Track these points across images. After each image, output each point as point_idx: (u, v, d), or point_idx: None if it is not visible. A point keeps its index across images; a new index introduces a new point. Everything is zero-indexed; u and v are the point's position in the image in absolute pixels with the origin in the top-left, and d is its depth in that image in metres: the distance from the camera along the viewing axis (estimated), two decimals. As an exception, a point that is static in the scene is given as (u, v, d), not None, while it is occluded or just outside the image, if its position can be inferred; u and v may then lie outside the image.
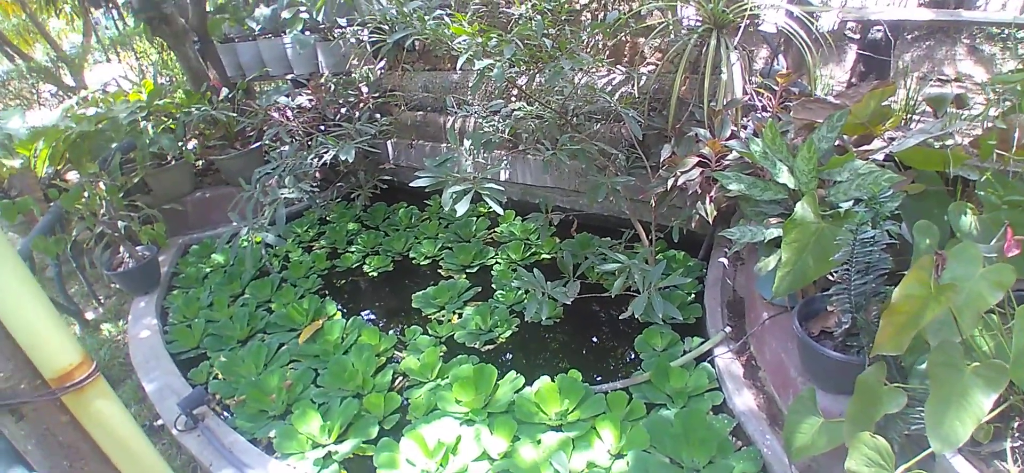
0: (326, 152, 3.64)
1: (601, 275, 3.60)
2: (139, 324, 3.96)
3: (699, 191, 3.01)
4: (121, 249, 4.29)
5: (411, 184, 2.83)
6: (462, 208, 2.56)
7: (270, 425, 2.98)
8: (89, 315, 4.45)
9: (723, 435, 2.54)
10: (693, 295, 3.43)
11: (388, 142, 5.28)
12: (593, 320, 3.48)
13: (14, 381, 0.78)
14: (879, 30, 3.42)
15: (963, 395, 1.48)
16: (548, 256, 4.00)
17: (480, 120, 3.14)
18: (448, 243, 4.35)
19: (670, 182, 3.03)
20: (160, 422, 3.16)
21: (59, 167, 5.21)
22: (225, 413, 3.15)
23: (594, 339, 3.35)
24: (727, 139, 3.01)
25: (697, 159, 3.05)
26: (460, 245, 4.27)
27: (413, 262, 4.30)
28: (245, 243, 3.64)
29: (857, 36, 4.23)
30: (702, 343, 3.03)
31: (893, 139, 2.64)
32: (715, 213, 3.03)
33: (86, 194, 4.26)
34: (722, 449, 2.48)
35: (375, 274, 4.26)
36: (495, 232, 4.44)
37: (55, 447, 0.82)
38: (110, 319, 4.40)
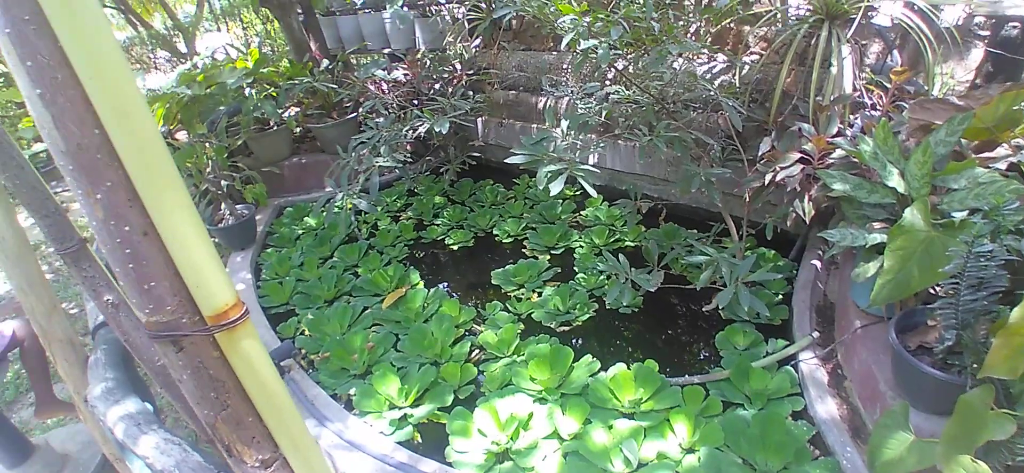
0: (421, 124, 3.75)
1: (686, 267, 3.54)
2: (235, 277, 4.24)
3: (798, 189, 2.89)
4: (222, 206, 4.60)
5: (506, 160, 2.87)
6: (556, 188, 2.57)
7: (351, 383, 3.13)
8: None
9: (801, 442, 2.45)
10: (781, 296, 3.31)
11: (479, 119, 5.36)
12: (673, 312, 3.42)
13: (177, 315, 0.86)
14: (1015, 26, 3.13)
15: (1080, 429, 1.37)
16: (632, 244, 3.96)
17: (575, 101, 3.13)
18: (532, 223, 4.39)
19: (768, 177, 2.93)
20: None
21: (172, 127, 5.65)
22: (310, 368, 3.33)
23: (673, 331, 3.30)
24: (833, 136, 2.86)
25: (798, 155, 2.93)
26: (544, 226, 4.29)
27: (496, 239, 4.37)
28: (338, 208, 3.82)
29: (986, 32, 3.89)
30: (787, 346, 2.92)
31: (1021, 148, 2.44)
32: (813, 213, 2.91)
33: (195, 153, 4.60)
34: (799, 456, 2.40)
35: (458, 248, 4.36)
36: (580, 215, 4.44)
37: (206, 379, 0.91)
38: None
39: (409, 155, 3.95)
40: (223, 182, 4.63)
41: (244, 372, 0.92)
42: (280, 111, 5.10)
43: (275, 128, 5.29)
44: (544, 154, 2.65)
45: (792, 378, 2.77)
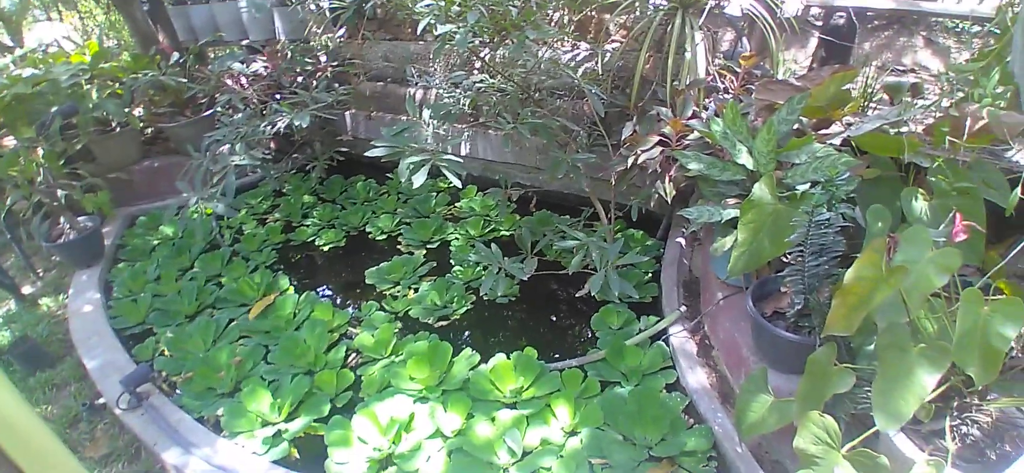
0: (280, 119, 3.51)
1: (559, 252, 3.58)
2: (81, 298, 3.76)
3: (659, 170, 3.01)
4: (61, 219, 4.08)
5: (367, 154, 2.74)
6: (419, 180, 2.49)
7: (218, 403, 2.87)
8: (26, 290, 4.23)
9: (676, 413, 2.55)
10: (650, 274, 3.44)
11: (346, 113, 5.14)
12: (550, 298, 3.46)
13: None
14: (842, 16, 3.45)
15: (908, 375, 1.50)
16: (508, 233, 3.96)
17: (441, 92, 3.06)
18: (407, 218, 4.27)
19: (631, 160, 3.02)
20: (101, 400, 3.02)
21: None
22: (172, 391, 3.03)
23: (551, 317, 3.34)
24: (689, 119, 3.00)
25: (658, 138, 3.04)
26: (419, 220, 4.19)
27: (370, 237, 4.20)
28: (195, 214, 3.50)
29: (820, 22, 4.28)
30: (657, 322, 3.04)
31: (851, 124, 2.67)
32: (674, 193, 3.03)
33: (21, 160, 4.04)
34: (674, 427, 2.50)
35: (330, 248, 4.16)
36: (455, 208, 4.37)
37: None
38: (49, 294, 4.19)
39: (273, 153, 3.68)
40: (60, 192, 4.09)
41: None
42: (125, 109, 4.58)
43: (119, 129, 4.75)
44: (406, 145, 2.56)
45: (664, 352, 2.88)
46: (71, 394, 3.18)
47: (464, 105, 2.78)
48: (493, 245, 3.15)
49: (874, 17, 4.69)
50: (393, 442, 2.53)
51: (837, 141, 2.59)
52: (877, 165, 2.41)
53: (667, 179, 3.03)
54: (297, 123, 3.40)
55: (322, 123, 4.66)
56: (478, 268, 3.55)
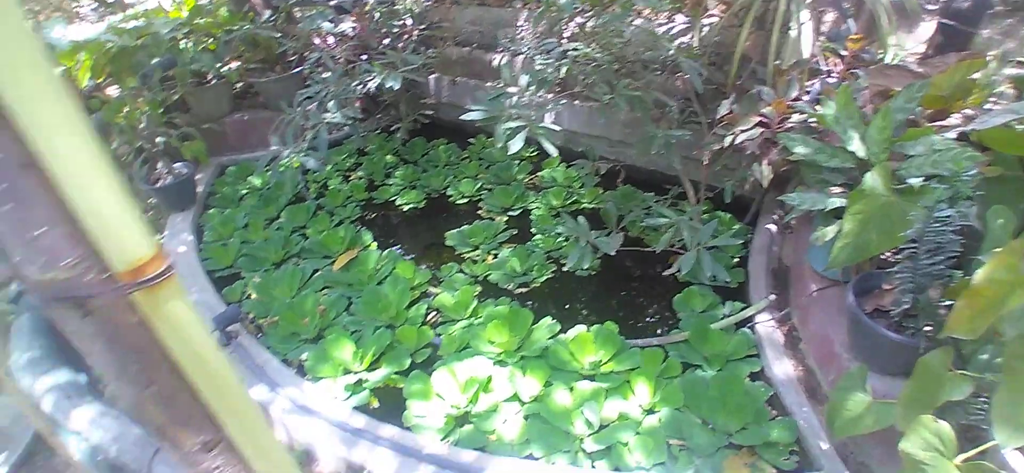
0: (371, 79, 3.56)
1: (644, 229, 3.52)
2: (176, 239, 4.00)
3: (757, 152, 2.90)
4: (159, 165, 4.30)
5: (462, 118, 2.76)
6: (516, 145, 2.49)
7: (302, 348, 3.01)
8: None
9: (759, 402, 2.49)
10: (737, 259, 3.34)
11: (431, 77, 5.17)
12: (631, 275, 3.42)
13: (79, 271, 0.64)
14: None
15: (1039, 389, 1.41)
16: (590, 205, 3.92)
17: (533, 58, 3.02)
18: (488, 184, 4.29)
19: (728, 140, 2.92)
20: None
21: (99, 80, 5.22)
22: (258, 333, 3.18)
23: (631, 293, 3.30)
24: (793, 100, 2.87)
25: (758, 119, 2.93)
26: (501, 187, 4.20)
27: (450, 200, 4.25)
28: (284, 167, 3.61)
29: (935, 6, 3.99)
30: (744, 308, 2.96)
31: (971, 117, 2.50)
32: (770, 177, 2.92)
33: (126, 108, 4.27)
34: (757, 416, 2.44)
35: (410, 208, 4.23)
36: (537, 177, 4.36)
37: (123, 350, 0.71)
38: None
39: (359, 112, 3.75)
40: (158, 139, 4.32)
41: (172, 340, 0.70)
42: (218, 64, 4.77)
43: (214, 82, 4.96)
44: (502, 111, 2.55)
45: (749, 340, 2.81)
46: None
47: (561, 73, 2.73)
48: (579, 217, 3.13)
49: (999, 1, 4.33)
50: (471, 401, 2.58)
51: (953, 134, 2.43)
52: (1000, 163, 2.25)
53: (765, 162, 2.92)
54: (388, 84, 3.45)
55: (408, 86, 4.71)
56: (559, 238, 3.54)
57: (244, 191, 4.57)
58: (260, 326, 3.23)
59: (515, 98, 2.64)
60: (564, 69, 2.74)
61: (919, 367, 1.76)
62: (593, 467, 2.33)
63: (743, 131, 2.90)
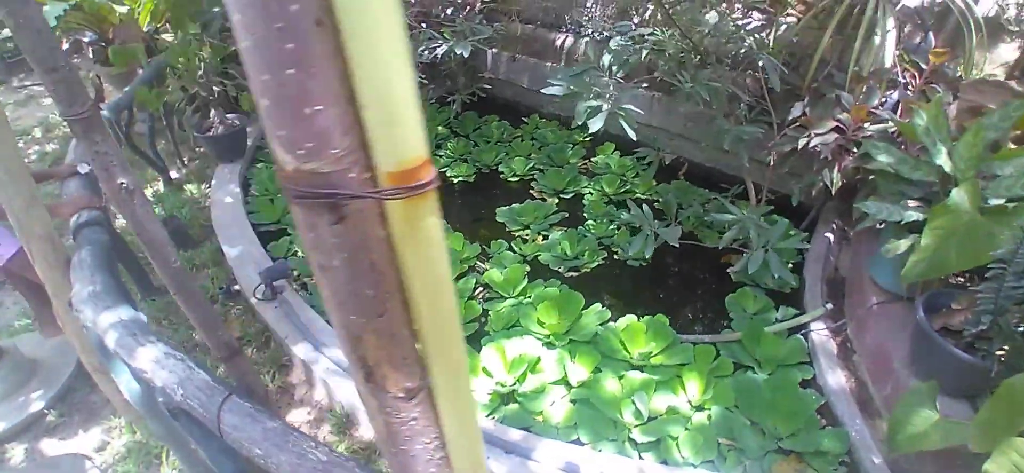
0: (438, 45, 3.55)
1: (698, 224, 3.47)
2: (223, 190, 4.02)
3: (829, 158, 2.83)
4: (212, 113, 4.34)
5: (543, 91, 2.73)
6: (596, 125, 2.46)
7: (348, 311, 3.02)
8: (173, 174, 4.57)
9: (810, 410, 2.45)
10: (791, 264, 3.28)
11: (490, 51, 5.15)
12: (682, 268, 3.38)
13: (345, 164, 0.53)
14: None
15: None
16: (643, 196, 3.88)
17: (612, 38, 2.96)
18: (540, 164, 4.27)
19: (801, 142, 2.86)
20: (236, 287, 3.25)
21: (159, 24, 5.28)
22: (302, 290, 3.21)
23: (681, 288, 3.26)
24: (874, 108, 2.79)
25: (834, 124, 2.86)
26: (553, 168, 4.18)
27: (502, 177, 4.24)
28: None
29: (1016, 28, 3.84)
30: (797, 314, 2.91)
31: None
32: (840, 184, 2.86)
33: (186, 54, 4.31)
34: (808, 424, 2.41)
35: (460, 182, 4.23)
36: (590, 162, 4.32)
37: (365, 268, 0.60)
38: (193, 181, 4.51)
39: (422, 77, 3.72)
40: (214, 88, 4.36)
41: (418, 263, 0.62)
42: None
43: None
44: (585, 87, 2.51)
45: (802, 346, 2.76)
46: (209, 276, 3.45)
47: (642, 56, 2.67)
48: (643, 206, 3.09)
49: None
50: (519, 380, 2.57)
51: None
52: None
53: (836, 168, 2.86)
54: (458, 51, 3.43)
55: (467, 58, 4.69)
56: (611, 226, 3.52)
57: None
58: (305, 283, 3.26)
59: (596, 78, 2.60)
60: (644, 53, 2.69)
61: (1003, 389, 1.70)
62: (640, 458, 2.31)
63: (818, 135, 2.83)
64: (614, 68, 2.64)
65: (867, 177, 2.86)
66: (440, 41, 3.57)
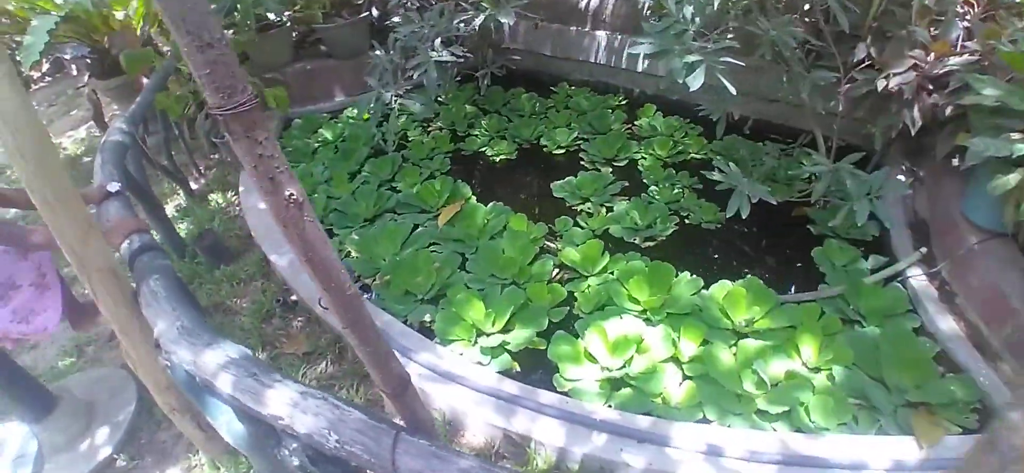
0: (475, 16, 3.34)
1: (766, 179, 3.35)
2: (253, 195, 3.79)
3: (910, 97, 2.74)
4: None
5: (630, 50, 2.56)
6: (697, 82, 2.31)
7: (420, 309, 2.89)
8: (191, 185, 4.31)
9: (928, 359, 2.39)
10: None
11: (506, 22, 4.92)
12: (757, 227, 3.26)
13: None
14: None
15: None
16: (698, 156, 3.76)
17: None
18: (584, 134, 4.12)
19: (881, 84, 2.75)
20: (294, 298, 3.06)
21: (153, 29, 4.94)
22: (366, 293, 3.06)
23: (761, 247, 3.16)
24: (956, 42, 2.70)
25: (911, 61, 2.76)
26: (599, 137, 4.03)
27: (545, 151, 4.08)
28: (388, 108, 3.38)
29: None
30: (888, 262, 2.84)
31: None
32: (920, 123, 2.78)
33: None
34: (930, 374, 2.34)
35: (502, 159, 4.06)
36: (635, 126, 4.18)
37: None
38: (216, 189, 4.26)
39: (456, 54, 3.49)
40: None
41: None
42: (292, 6, 4.48)
43: (278, 26, 4.68)
44: (675, 43, 2.36)
45: (902, 295, 2.69)
46: (259, 289, 3.24)
47: (714, 5, 2.51)
48: (732, 164, 2.93)
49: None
50: (626, 363, 2.45)
51: None
52: None
53: (916, 108, 2.77)
54: (503, 20, 3.23)
55: (489, 30, 4.47)
56: (675, 190, 3.40)
57: (316, 145, 4.38)
58: (367, 285, 3.09)
59: (680, 32, 2.43)
60: (717, 1, 2.53)
61: None
62: (774, 430, 2.21)
63: (896, 74, 2.74)
64: (696, 19, 2.47)
65: (949, 115, 2.77)
66: (471, 11, 3.35)
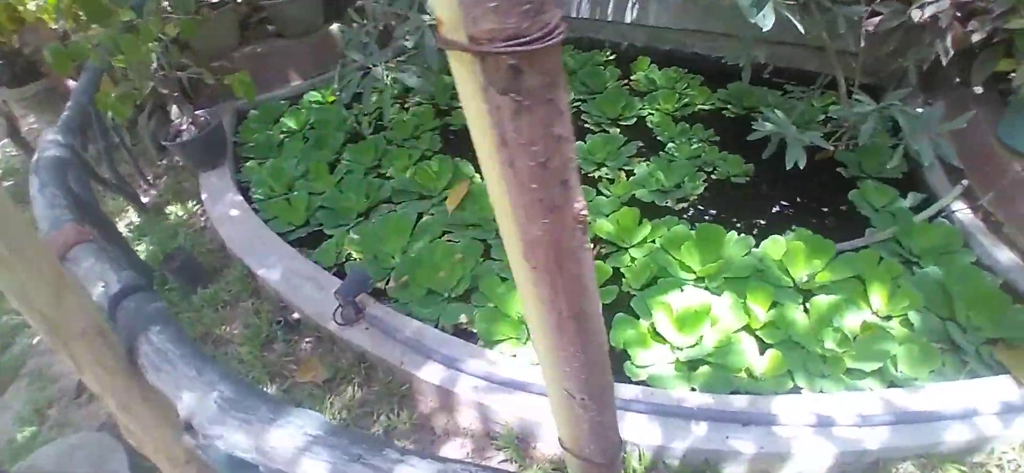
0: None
1: (804, 122, 3.20)
2: (221, 202, 3.36)
3: (946, 26, 2.64)
4: (174, 115, 3.52)
5: None
6: (768, 21, 2.11)
7: (450, 309, 2.58)
8: (142, 199, 3.76)
9: (1000, 292, 2.33)
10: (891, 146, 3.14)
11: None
12: (786, 176, 3.12)
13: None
14: None
15: None
16: (707, 107, 3.59)
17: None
18: (579, 94, 3.86)
19: (916, 15, 2.63)
20: (296, 317, 2.70)
21: (69, 23, 4.23)
22: (383, 299, 2.69)
23: (796, 196, 3.02)
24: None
25: (943, -11, 2.65)
26: (595, 96, 3.79)
27: (539, 115, 3.79)
28: (379, 85, 2.99)
29: None
30: (927, 198, 2.78)
31: None
32: (951, 52, 2.69)
33: (140, 42, 3.43)
34: (1004, 306, 2.27)
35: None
36: (631, 81, 3.95)
37: None
38: (173, 201, 3.73)
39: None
40: (182, 75, 3.55)
41: None
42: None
43: (220, 5, 4.11)
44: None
45: (951, 230, 2.64)
46: (250, 310, 2.85)
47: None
48: (777, 111, 2.75)
49: None
50: (698, 340, 2.26)
51: None
52: None
53: (949, 37, 2.67)
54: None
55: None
56: (693, 144, 3.23)
57: (281, 135, 3.92)
58: (381, 290, 2.74)
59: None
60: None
61: None
62: (871, 390, 2.09)
63: (931, 3, 2.62)
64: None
65: (982, 41, 2.69)
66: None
